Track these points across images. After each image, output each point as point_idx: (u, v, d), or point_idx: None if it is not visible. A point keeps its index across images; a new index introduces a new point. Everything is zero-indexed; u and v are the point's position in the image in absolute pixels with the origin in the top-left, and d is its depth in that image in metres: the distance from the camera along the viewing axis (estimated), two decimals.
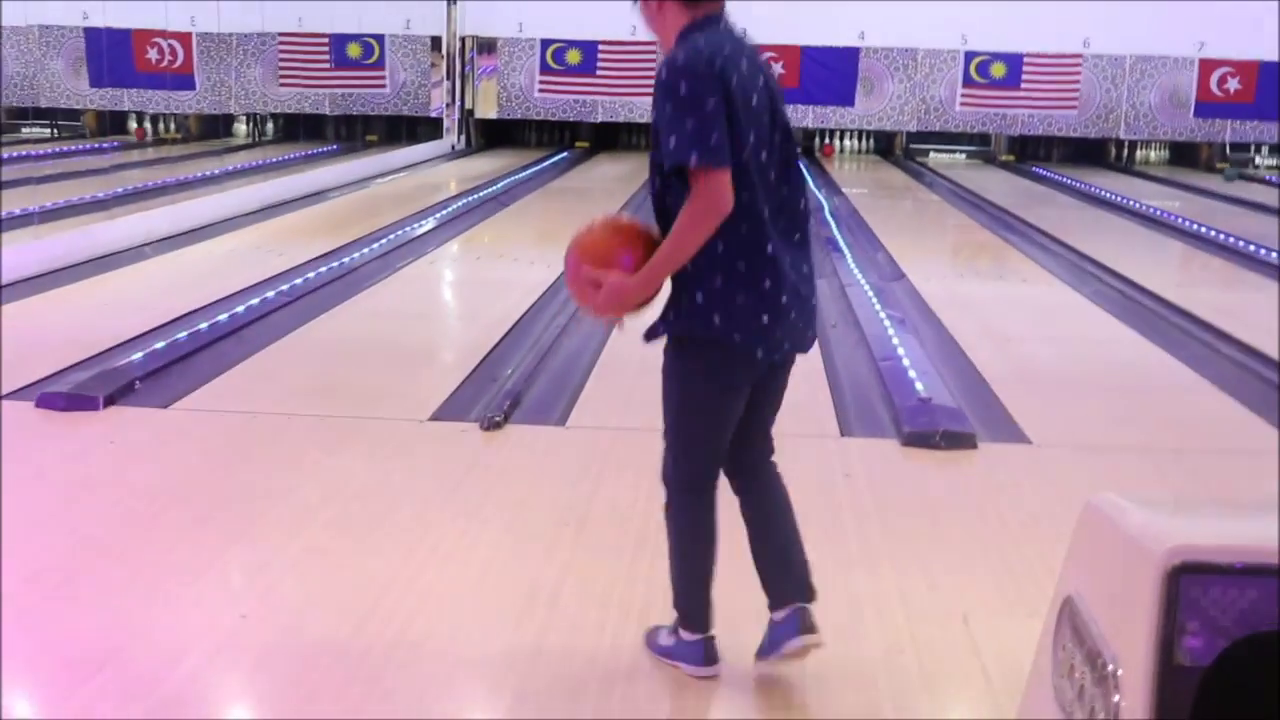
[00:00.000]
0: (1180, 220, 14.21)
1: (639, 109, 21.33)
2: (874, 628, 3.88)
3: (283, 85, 21.49)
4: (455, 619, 3.88)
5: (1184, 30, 20.71)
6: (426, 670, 3.55)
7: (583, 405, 6.30)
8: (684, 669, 3.51)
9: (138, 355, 6.78)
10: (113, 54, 20.27)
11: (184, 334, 7.35)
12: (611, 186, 16.66)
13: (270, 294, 8.60)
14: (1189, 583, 2.16)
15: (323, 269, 9.61)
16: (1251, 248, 11.97)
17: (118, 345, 7.11)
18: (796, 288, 3.32)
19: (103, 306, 8.48)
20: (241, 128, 22.48)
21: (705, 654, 3.51)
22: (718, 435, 3.44)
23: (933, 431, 5.72)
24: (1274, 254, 11.57)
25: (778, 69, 20.85)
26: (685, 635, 3.52)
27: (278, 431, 5.76)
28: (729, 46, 3.21)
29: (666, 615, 3.87)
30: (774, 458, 3.63)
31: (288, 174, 16.07)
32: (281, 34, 21.20)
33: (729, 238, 3.19)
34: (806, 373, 6.90)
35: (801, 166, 3.42)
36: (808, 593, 3.48)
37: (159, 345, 7.04)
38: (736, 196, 3.14)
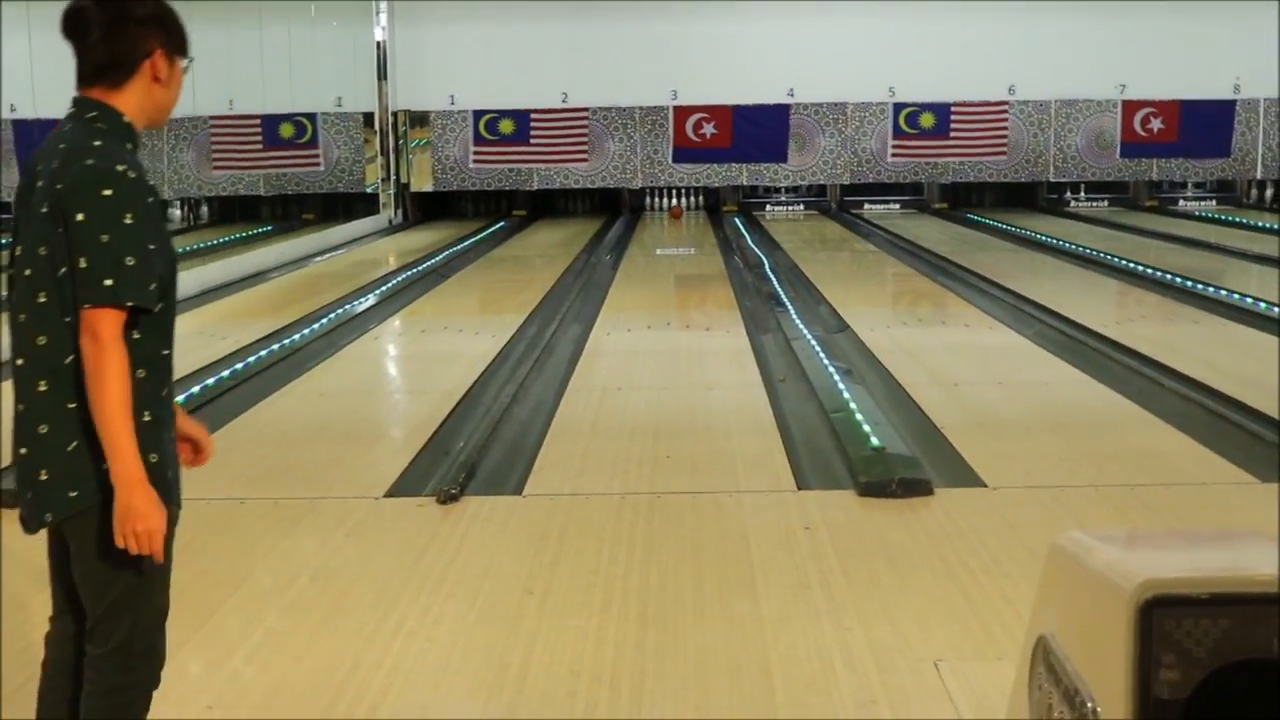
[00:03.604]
0: (1114, 259, 14.41)
1: (574, 176, 21.44)
2: (846, 680, 3.87)
3: (216, 168, 21.43)
4: (424, 697, 3.84)
5: (1106, 73, 21.12)
6: None
7: (538, 473, 6.27)
8: None
9: None
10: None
11: None
12: (552, 253, 16.70)
13: (214, 379, 8.52)
14: (1162, 616, 2.18)
15: (263, 352, 9.54)
16: (1187, 283, 12.16)
17: None
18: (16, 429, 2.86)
19: None
20: (176, 212, 22.37)
21: None
22: None
23: (889, 480, 5.74)
24: (1209, 288, 11.75)
25: (710, 129, 21.14)
26: None
27: (230, 518, 5.69)
28: None
29: (634, 680, 3.86)
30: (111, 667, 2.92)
31: (226, 256, 15.99)
32: (213, 117, 21.17)
33: None
34: (760, 428, 6.98)
35: (38, 301, 2.77)
36: None
37: None
38: None
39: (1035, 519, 5.34)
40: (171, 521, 2.85)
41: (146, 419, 2.79)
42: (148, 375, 2.80)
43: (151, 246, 2.75)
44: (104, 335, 2.68)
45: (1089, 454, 6.45)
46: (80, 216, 2.69)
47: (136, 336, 2.77)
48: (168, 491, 2.82)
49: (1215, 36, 20.84)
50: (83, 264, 2.68)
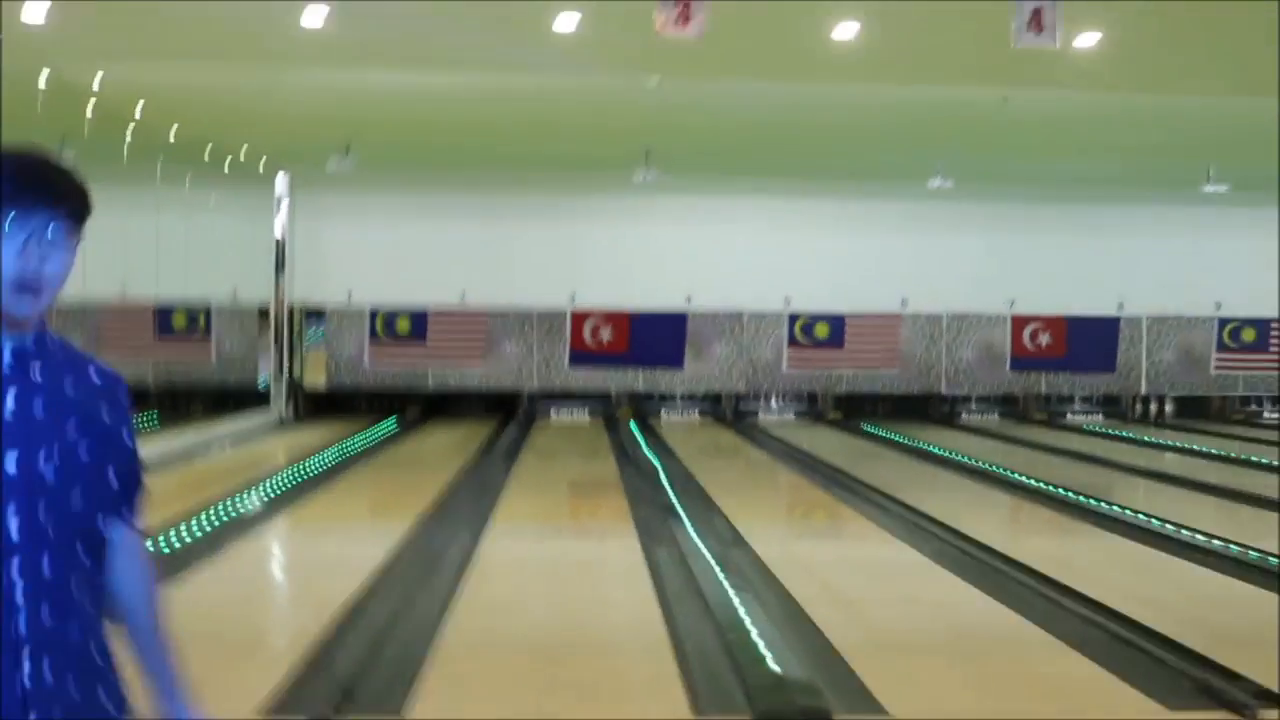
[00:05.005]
0: (1007, 472, 14.50)
1: (470, 377, 21.33)
2: None
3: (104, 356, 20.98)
4: None
5: (995, 288, 21.64)
6: None
7: (422, 694, 5.97)
8: None
9: None
10: None
11: None
12: (445, 455, 16.46)
13: None
14: None
15: None
16: (1079, 498, 12.22)
17: None
18: None
19: None
20: None
21: None
22: None
23: (788, 710, 5.53)
24: (1101, 503, 11.81)
25: (607, 334, 21.22)
26: None
27: None
28: None
29: None
30: None
31: None
32: (104, 305, 20.82)
33: None
34: (654, 649, 6.73)
35: None
36: None
37: None
38: None
39: None
40: None
41: None
42: None
43: None
44: None
45: (993, 679, 6.30)
46: None
47: None
48: None
49: (1099, 256, 21.52)
50: None
